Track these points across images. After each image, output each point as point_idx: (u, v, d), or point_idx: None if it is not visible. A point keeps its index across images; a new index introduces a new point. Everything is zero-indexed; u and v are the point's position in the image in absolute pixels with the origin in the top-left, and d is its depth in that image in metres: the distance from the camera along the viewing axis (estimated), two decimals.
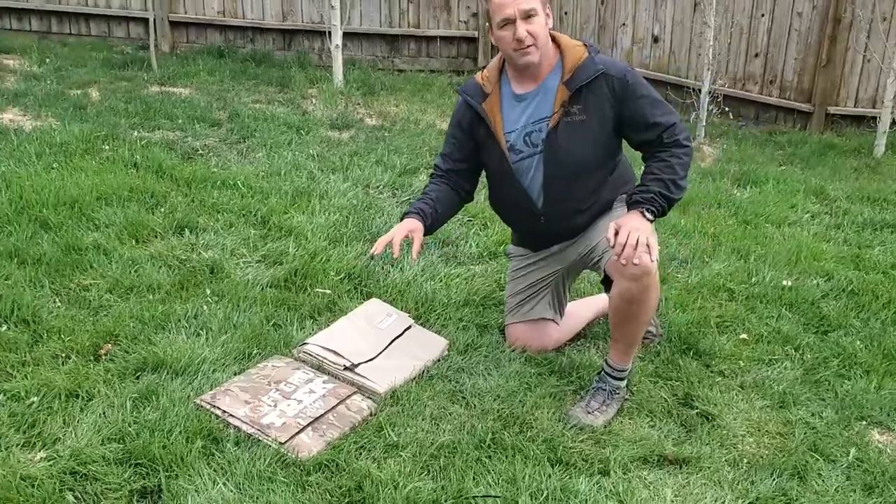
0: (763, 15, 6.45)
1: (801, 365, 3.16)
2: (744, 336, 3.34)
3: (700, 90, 6.07)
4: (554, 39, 2.68)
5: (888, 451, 2.70)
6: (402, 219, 2.75)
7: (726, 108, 6.35)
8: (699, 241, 4.23)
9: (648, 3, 6.91)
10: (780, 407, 2.89)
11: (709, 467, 2.51)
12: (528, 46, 2.57)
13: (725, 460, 2.57)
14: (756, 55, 6.61)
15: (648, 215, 2.48)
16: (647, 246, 2.41)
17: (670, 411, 2.79)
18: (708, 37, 6.01)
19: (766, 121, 6.73)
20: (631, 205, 2.53)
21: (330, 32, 6.28)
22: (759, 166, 5.69)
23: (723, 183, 5.25)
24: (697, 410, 2.80)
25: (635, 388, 2.88)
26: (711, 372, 3.08)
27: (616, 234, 2.42)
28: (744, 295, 3.67)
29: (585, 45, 2.66)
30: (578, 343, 3.14)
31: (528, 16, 2.55)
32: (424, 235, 2.73)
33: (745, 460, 2.58)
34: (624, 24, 7.04)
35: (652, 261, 2.43)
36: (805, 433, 2.73)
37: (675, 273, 3.83)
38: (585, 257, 2.81)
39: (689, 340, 3.22)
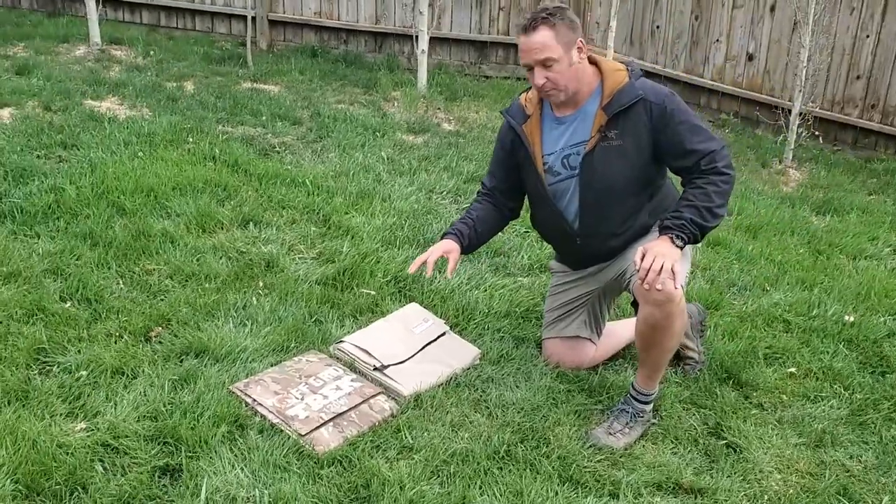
0: (868, 36, 6.18)
1: (849, 405, 3.05)
2: (792, 370, 3.25)
3: (791, 111, 5.88)
4: (596, 63, 2.69)
5: None
6: (441, 237, 2.83)
7: (815, 132, 6.13)
8: (764, 268, 4.12)
9: (745, 20, 6.73)
10: (817, 446, 2.80)
11: (725, 500, 2.48)
12: (550, 90, 2.62)
13: (745, 494, 2.52)
14: (858, 77, 6.33)
15: (678, 241, 2.46)
16: (672, 272, 2.40)
17: (696, 439, 2.75)
18: (802, 57, 5.81)
19: (864, 147, 6.44)
20: (661, 230, 2.51)
21: (417, 37, 6.40)
22: (846, 194, 5.47)
23: (801, 210, 5.08)
24: (726, 441, 2.75)
25: (665, 414, 2.86)
26: (749, 403, 3.01)
27: (642, 258, 2.42)
28: (801, 327, 3.57)
29: (627, 69, 2.66)
30: (616, 363, 3.13)
31: (545, 65, 2.58)
32: (463, 254, 2.82)
33: (767, 497, 2.52)
34: (718, 41, 6.88)
35: (676, 288, 2.42)
36: (837, 475, 2.64)
37: (730, 300, 3.75)
38: (619, 279, 2.81)
39: (731, 369, 3.15)
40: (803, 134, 5.99)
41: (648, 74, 7.10)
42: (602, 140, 2.63)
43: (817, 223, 4.93)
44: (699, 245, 2.84)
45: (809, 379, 3.21)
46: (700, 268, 4.04)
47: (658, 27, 7.12)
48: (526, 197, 2.97)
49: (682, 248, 2.47)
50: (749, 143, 6.41)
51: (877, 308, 3.80)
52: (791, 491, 2.57)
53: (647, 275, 2.40)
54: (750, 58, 6.80)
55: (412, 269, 2.72)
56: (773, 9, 6.55)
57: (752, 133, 6.71)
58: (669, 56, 7.12)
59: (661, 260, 2.39)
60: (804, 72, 5.80)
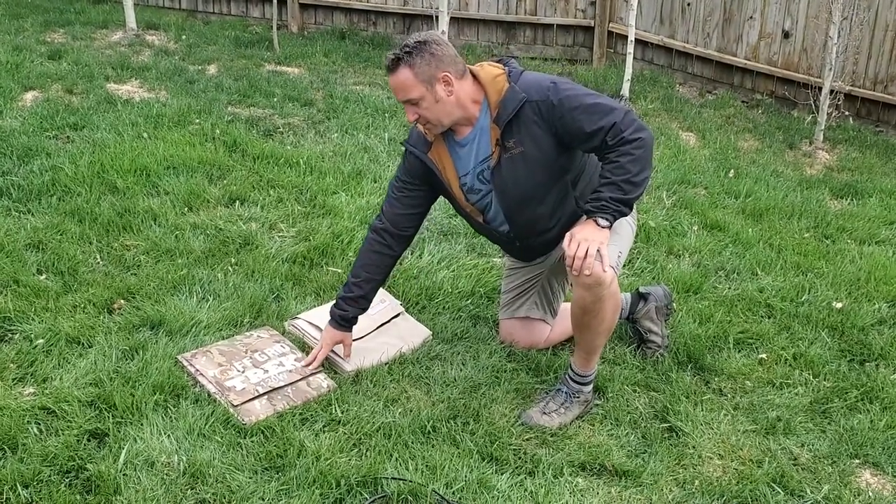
0: None
1: (815, 393, 2.97)
2: (763, 356, 3.17)
3: (831, 90, 5.65)
4: (475, 76, 2.62)
5: (870, 493, 2.51)
6: (331, 318, 2.82)
7: (846, 112, 5.89)
8: (759, 252, 4.00)
9: None
10: (767, 434, 2.74)
11: (651, 483, 2.45)
12: (423, 125, 2.62)
13: (674, 479, 2.49)
14: None
15: (603, 222, 2.43)
16: (600, 254, 2.38)
17: (637, 422, 2.72)
18: (832, 32, 5.59)
19: None
20: (585, 214, 2.49)
21: (437, 17, 6.38)
22: (874, 177, 5.25)
23: (819, 192, 4.89)
24: (668, 425, 2.71)
25: (612, 396, 2.83)
26: (707, 389, 2.96)
27: (569, 244, 2.41)
28: (785, 313, 3.47)
29: (506, 72, 2.60)
30: (571, 344, 3.10)
31: (410, 103, 2.56)
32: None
33: (697, 482, 2.48)
34: (751, 18, 6.66)
35: (604, 270, 2.40)
36: (779, 463, 2.58)
37: (714, 284, 3.66)
38: (562, 261, 2.78)
39: (693, 354, 3.10)
40: (833, 114, 5.76)
41: (681, 54, 7.04)
42: (503, 152, 2.59)
43: (833, 207, 4.75)
44: (632, 220, 2.80)
45: (779, 365, 3.12)
46: (688, 251, 3.96)
47: (689, 4, 6.92)
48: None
49: (609, 228, 2.44)
50: (780, 125, 6.20)
51: (872, 294, 3.66)
52: (726, 477, 2.52)
53: (573, 261, 2.39)
54: (786, 35, 6.55)
55: (312, 366, 2.77)
56: None
57: (788, 114, 6.48)
58: (701, 34, 6.92)
59: (585, 245, 2.37)
60: (834, 48, 5.58)
